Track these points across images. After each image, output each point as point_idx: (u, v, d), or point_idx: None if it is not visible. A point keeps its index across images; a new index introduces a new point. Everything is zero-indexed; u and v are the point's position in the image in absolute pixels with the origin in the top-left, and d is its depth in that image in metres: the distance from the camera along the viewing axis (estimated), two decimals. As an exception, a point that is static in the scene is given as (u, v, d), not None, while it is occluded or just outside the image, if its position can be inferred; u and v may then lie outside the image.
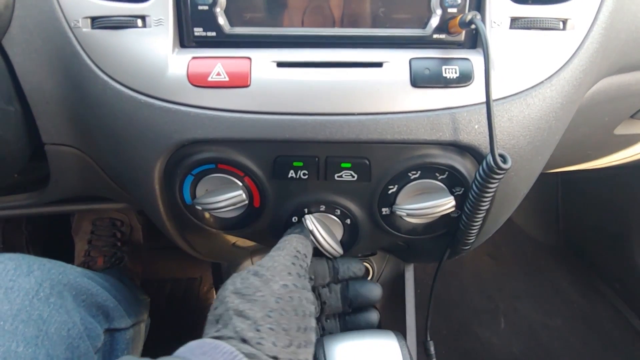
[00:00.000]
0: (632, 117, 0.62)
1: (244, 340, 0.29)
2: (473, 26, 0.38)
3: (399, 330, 0.47)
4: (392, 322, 0.80)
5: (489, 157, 0.37)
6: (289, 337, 0.31)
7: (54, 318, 0.41)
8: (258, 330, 0.30)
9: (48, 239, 1.16)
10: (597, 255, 1.29)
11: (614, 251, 1.22)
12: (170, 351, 0.30)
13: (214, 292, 1.21)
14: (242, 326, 0.30)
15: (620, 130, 0.64)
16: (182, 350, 0.29)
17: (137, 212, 1.07)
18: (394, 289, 0.81)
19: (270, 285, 0.33)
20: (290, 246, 0.40)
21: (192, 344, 0.29)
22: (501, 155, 0.37)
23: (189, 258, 0.66)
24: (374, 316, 0.46)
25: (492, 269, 1.34)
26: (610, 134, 0.64)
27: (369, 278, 0.81)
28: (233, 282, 0.34)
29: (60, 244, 1.13)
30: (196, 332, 0.31)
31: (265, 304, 0.32)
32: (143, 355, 0.73)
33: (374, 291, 0.46)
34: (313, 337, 0.34)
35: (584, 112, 0.51)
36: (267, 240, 0.50)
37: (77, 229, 1.07)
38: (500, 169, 0.37)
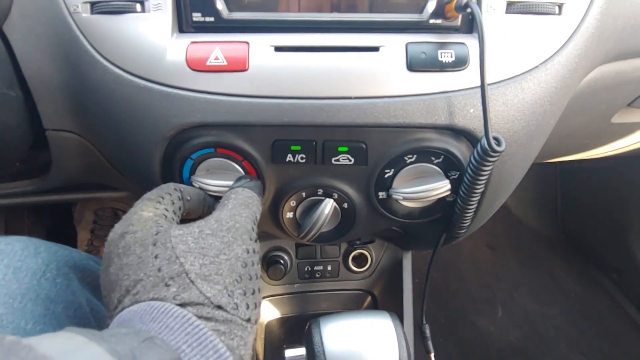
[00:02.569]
0: (629, 105, 0.62)
1: (220, 307, 0.29)
2: (469, 10, 0.38)
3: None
4: (389, 309, 0.81)
5: (484, 140, 0.38)
6: (255, 299, 0.32)
7: (61, 298, 0.42)
8: (230, 296, 0.30)
9: (50, 229, 1.17)
10: (595, 245, 1.30)
11: (612, 242, 1.22)
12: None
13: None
14: (212, 292, 0.29)
15: (617, 118, 0.64)
16: (126, 316, 0.28)
17: (138, 202, 1.08)
18: (392, 276, 0.82)
19: (234, 248, 0.32)
20: (253, 208, 0.38)
21: (136, 309, 0.28)
22: (495, 138, 0.38)
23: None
24: None
25: (490, 259, 1.35)
26: (608, 122, 0.65)
27: (367, 266, 0.82)
28: (183, 240, 0.32)
29: (62, 233, 1.14)
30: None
31: (232, 268, 0.31)
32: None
33: None
34: (261, 297, 0.35)
35: (581, 100, 0.51)
36: (264, 224, 0.51)
37: (79, 218, 1.08)
38: (495, 151, 0.38)
